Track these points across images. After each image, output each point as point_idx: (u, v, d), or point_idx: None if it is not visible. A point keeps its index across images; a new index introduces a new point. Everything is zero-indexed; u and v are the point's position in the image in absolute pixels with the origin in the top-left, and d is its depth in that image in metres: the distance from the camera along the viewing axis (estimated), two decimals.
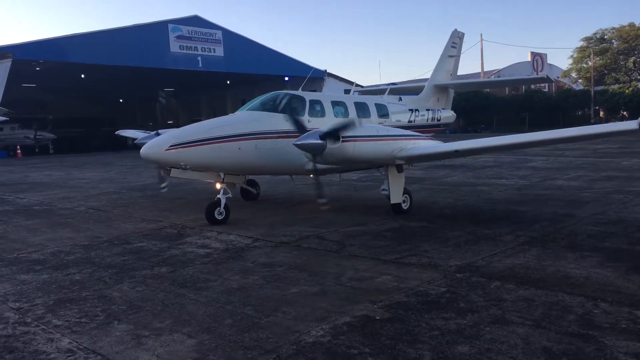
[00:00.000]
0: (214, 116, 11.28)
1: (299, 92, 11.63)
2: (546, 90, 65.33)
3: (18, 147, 42.47)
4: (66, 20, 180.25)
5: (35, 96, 54.34)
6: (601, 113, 59.73)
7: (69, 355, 4.36)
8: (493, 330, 4.54)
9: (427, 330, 4.60)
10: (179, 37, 44.19)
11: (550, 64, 72.10)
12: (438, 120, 16.46)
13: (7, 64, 32.78)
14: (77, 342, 4.61)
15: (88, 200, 14.04)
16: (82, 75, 47.73)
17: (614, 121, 46.74)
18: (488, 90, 59.97)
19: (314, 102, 11.07)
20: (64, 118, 54.87)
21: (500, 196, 12.41)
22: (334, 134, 8.95)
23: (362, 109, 12.44)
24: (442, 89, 17.50)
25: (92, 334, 4.81)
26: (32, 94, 52.71)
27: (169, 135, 9.66)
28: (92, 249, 8.31)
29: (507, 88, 64.58)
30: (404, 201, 10.35)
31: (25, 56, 36.61)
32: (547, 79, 26.65)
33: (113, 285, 6.32)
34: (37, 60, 40.16)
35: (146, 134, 14.97)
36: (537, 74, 58.41)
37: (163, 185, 11.45)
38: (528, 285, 5.74)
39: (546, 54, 68.69)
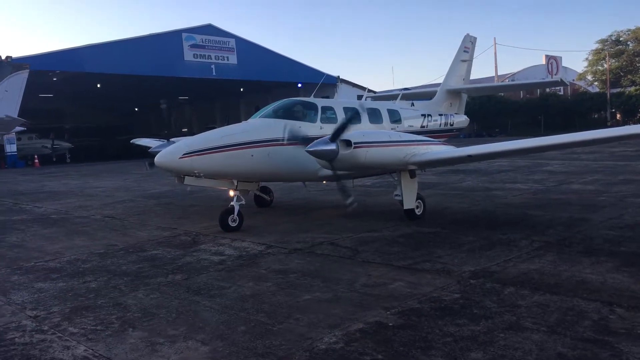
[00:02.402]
0: (228, 124, 11.36)
1: (311, 99, 11.67)
2: (561, 93, 64.70)
3: (36, 156, 43.07)
4: (82, 31, 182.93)
5: (52, 106, 55.15)
6: (618, 116, 59.01)
7: None
8: (507, 337, 4.50)
9: (440, 336, 4.58)
10: (193, 46, 44.62)
11: (565, 67, 71.52)
12: (451, 125, 16.39)
13: (24, 75, 33.28)
14: (92, 350, 4.67)
15: (104, 209, 14.20)
16: (98, 85, 48.39)
17: (631, 124, 46.19)
18: (502, 94, 59.62)
19: (326, 109, 11.10)
20: (81, 127, 55.62)
21: (515, 201, 12.32)
22: (338, 137, 8.99)
23: (374, 115, 12.44)
24: (454, 93, 17.44)
25: (107, 341, 4.86)
26: (49, 104, 53.49)
27: (183, 144, 9.75)
28: (108, 256, 8.40)
29: (521, 92, 64.16)
30: (417, 207, 10.32)
31: (42, 67, 37.21)
32: (561, 82, 26.38)
33: (128, 292, 6.38)
34: (54, 71, 40.83)
35: (160, 143, 15.10)
36: (551, 78, 58.02)
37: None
38: (543, 290, 5.69)
39: (561, 57, 68.21)
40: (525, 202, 12.11)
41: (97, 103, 59.86)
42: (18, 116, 32.29)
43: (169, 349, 4.61)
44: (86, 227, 11.45)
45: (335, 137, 9.11)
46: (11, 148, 39.49)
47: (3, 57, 36.66)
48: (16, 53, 47.50)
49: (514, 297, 5.53)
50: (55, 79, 43.59)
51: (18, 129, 34.72)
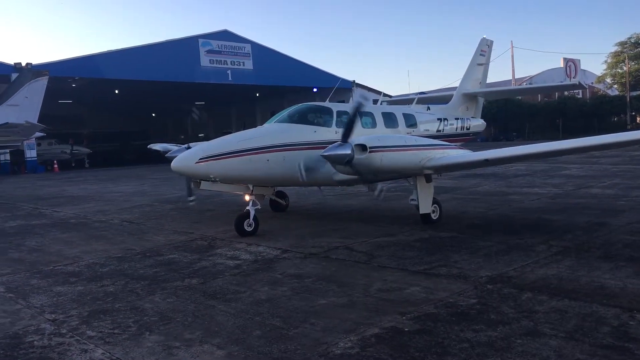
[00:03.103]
0: (244, 128, 11.42)
1: (327, 104, 11.69)
2: (580, 96, 64.02)
3: (55, 161, 43.64)
4: (100, 37, 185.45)
5: (71, 112, 55.98)
6: (638, 119, 58.18)
7: None
8: (525, 343, 4.45)
9: (456, 342, 4.55)
10: (209, 52, 45.04)
11: (584, 70, 70.81)
12: (467, 129, 16.30)
13: (44, 81, 33.83)
14: (110, 353, 4.71)
15: (122, 213, 14.34)
16: (116, 91, 49.06)
17: None
18: (520, 97, 59.15)
19: (341, 113, 11.09)
20: (99, 133, 56.33)
21: (533, 205, 12.20)
22: (347, 139, 9.04)
23: (389, 119, 12.42)
24: (471, 97, 17.34)
25: (124, 344, 4.90)
26: (68, 110, 54.31)
27: (199, 149, 9.82)
28: (126, 261, 8.48)
29: (539, 95, 63.61)
30: (433, 211, 10.27)
31: (61, 73, 37.83)
32: (580, 86, 26.09)
33: (145, 296, 6.43)
34: (73, 77, 41.49)
35: (177, 148, 15.21)
36: (570, 81, 57.40)
37: (191, 198, 11.70)
38: (561, 296, 5.62)
39: (579, 60, 67.64)
40: (543, 206, 11.98)
41: (115, 109, 60.61)
42: (38, 122, 32.79)
43: (185, 353, 4.64)
44: (104, 231, 11.58)
45: (345, 137, 9.14)
46: (31, 153, 40.10)
47: (23, 64, 37.37)
48: (36, 60, 48.36)
49: (532, 302, 5.47)
50: (74, 85, 44.29)
51: (38, 134, 35.21)
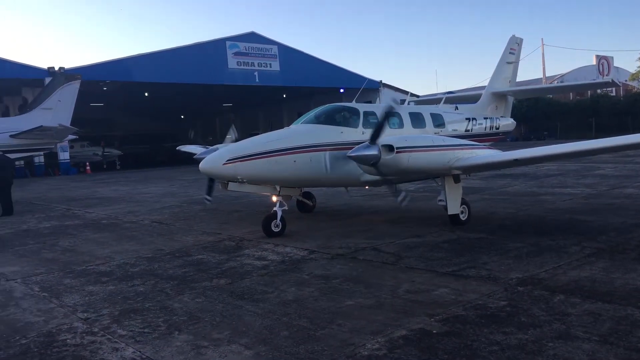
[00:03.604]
0: (271, 130, 11.47)
1: (353, 104, 11.65)
2: (613, 94, 62.46)
3: (87, 163, 44.60)
4: (129, 41, 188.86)
5: (103, 115, 57.12)
6: None
7: None
8: (556, 346, 4.36)
9: (486, 345, 4.48)
10: (236, 54, 45.40)
11: (617, 67, 69.06)
12: (497, 128, 16.07)
13: (76, 85, 34.61)
14: (140, 352, 4.78)
15: (152, 214, 14.56)
16: (146, 94, 49.87)
17: None
18: (551, 96, 58.06)
19: (368, 114, 11.06)
20: (130, 135, 57.32)
21: (565, 206, 11.95)
22: (375, 141, 8.99)
23: (417, 119, 12.32)
24: (500, 96, 17.09)
25: (154, 343, 4.97)
26: (99, 112, 55.43)
27: (226, 150, 9.90)
28: (155, 261, 8.60)
29: (571, 93, 62.30)
30: (462, 212, 10.14)
31: (93, 77, 38.63)
32: (613, 83, 25.43)
33: (174, 296, 6.51)
34: (104, 81, 42.32)
35: (205, 149, 15.37)
36: (602, 78, 56.06)
37: (208, 197, 11.79)
38: (594, 299, 5.49)
39: (612, 57, 65.97)
40: (576, 207, 11.73)
41: (145, 111, 61.65)
42: (70, 125, 33.56)
43: (213, 352, 4.68)
44: (135, 232, 11.77)
45: (373, 139, 9.11)
46: (64, 156, 41.02)
47: (56, 69, 38.27)
48: (68, 64, 49.49)
49: (564, 305, 5.35)
50: (105, 88, 45.19)
51: (70, 137, 36.03)
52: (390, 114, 9.47)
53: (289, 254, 8.49)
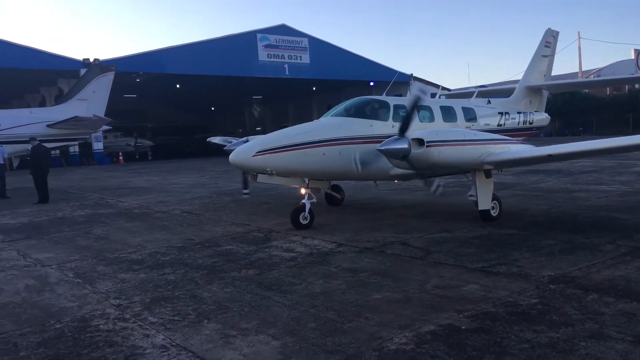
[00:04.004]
0: (300, 122, 11.48)
1: (383, 97, 11.57)
2: None
3: (120, 154, 45.50)
4: (162, 33, 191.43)
5: (136, 106, 58.06)
6: None
7: (163, 351, 4.60)
8: (589, 346, 4.27)
9: (516, 342, 4.41)
10: (267, 46, 45.57)
11: None
12: (530, 123, 15.78)
13: (110, 76, 35.23)
14: (170, 339, 4.86)
15: (182, 204, 14.76)
16: (178, 85, 50.48)
17: None
18: (587, 90, 56.66)
19: (398, 107, 10.96)
20: (161, 126, 58.21)
21: (600, 203, 11.66)
22: (403, 132, 8.93)
23: (448, 113, 12.17)
24: (534, 90, 16.76)
25: (183, 331, 5.04)
26: (132, 104, 56.35)
27: (256, 142, 9.95)
28: (185, 250, 8.73)
29: (608, 88, 60.65)
30: (492, 207, 9.99)
31: (126, 69, 39.28)
32: None
33: (204, 285, 6.59)
34: (137, 72, 43.01)
35: (235, 141, 15.50)
36: None
37: (245, 191, 11.90)
38: (629, 298, 5.35)
39: None
40: (611, 204, 11.44)
41: (177, 103, 62.44)
42: (104, 116, 34.21)
43: (241, 342, 4.72)
44: (166, 221, 11.95)
45: (402, 131, 9.04)
46: (98, 146, 41.94)
47: (91, 60, 39.02)
48: (103, 56, 50.45)
49: (597, 304, 5.23)
50: (138, 80, 45.90)
51: (104, 127, 36.75)
52: (418, 105, 9.36)
53: (317, 247, 8.51)
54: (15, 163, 31.14)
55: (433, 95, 14.44)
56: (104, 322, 5.39)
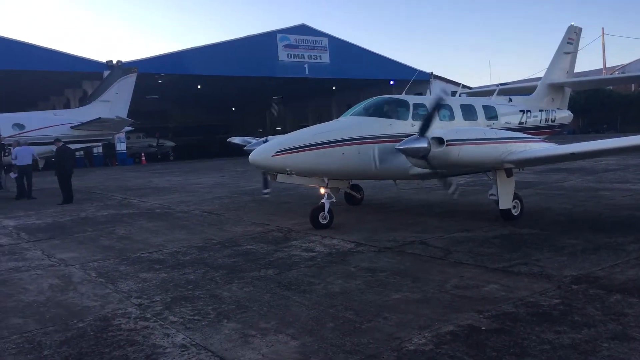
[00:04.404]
0: (320, 122, 11.49)
1: (403, 96, 11.52)
2: None
3: (143, 154, 46.06)
4: (184, 35, 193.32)
5: (157, 107, 58.72)
6: None
7: (183, 350, 4.65)
8: (612, 347, 4.20)
9: (537, 343, 4.36)
10: (287, 46, 45.71)
11: None
12: (552, 121, 15.56)
13: (133, 77, 35.70)
14: (190, 338, 4.91)
15: (202, 204, 14.89)
16: (199, 86, 50.87)
17: None
18: (611, 87, 55.61)
19: (417, 106, 10.90)
20: (183, 127, 58.77)
21: (625, 202, 11.45)
22: (424, 132, 8.88)
23: (468, 112, 12.06)
24: (557, 88, 16.52)
25: (203, 331, 5.09)
26: (154, 105, 57.00)
27: (276, 142, 9.99)
28: (206, 250, 8.80)
29: (633, 84, 59.45)
30: (514, 207, 9.88)
31: (148, 70, 39.76)
32: None
33: (223, 285, 6.64)
34: (159, 74, 43.47)
35: (255, 141, 15.58)
36: None
37: (266, 191, 11.96)
38: None
39: None
40: (636, 203, 11.22)
41: (198, 103, 62.94)
42: (127, 117, 34.67)
43: (260, 342, 4.75)
44: (186, 221, 12.07)
45: (422, 131, 8.98)
46: (121, 146, 42.51)
47: (114, 62, 39.59)
48: (126, 57, 51.14)
49: (621, 305, 5.14)
50: (160, 81, 46.41)
51: (127, 128, 37.24)
52: (439, 105, 9.30)
53: (336, 246, 8.51)
54: (41, 164, 31.72)
55: (454, 94, 14.32)
56: (125, 322, 5.46)
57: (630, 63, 64.88)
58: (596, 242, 7.82)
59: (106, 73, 38.22)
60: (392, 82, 48.46)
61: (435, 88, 47.61)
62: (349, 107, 12.11)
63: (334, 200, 10.22)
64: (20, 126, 30.13)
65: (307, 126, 12.17)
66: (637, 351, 4.09)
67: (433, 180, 11.40)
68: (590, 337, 4.41)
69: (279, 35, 45.29)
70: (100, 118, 32.32)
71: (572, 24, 18.10)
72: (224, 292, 6.32)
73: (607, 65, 61.08)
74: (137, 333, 5.12)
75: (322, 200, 10.01)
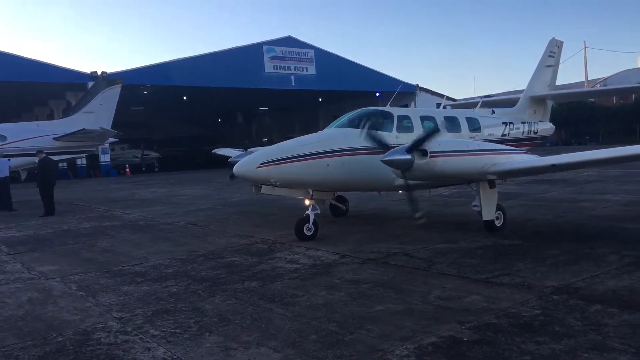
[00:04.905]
0: (306, 133, 11.52)
1: (387, 108, 11.61)
2: None
3: (127, 165, 45.74)
4: (169, 46, 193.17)
5: (142, 118, 58.42)
6: None
7: None
8: (591, 357, 4.23)
9: (518, 354, 4.38)
10: (273, 58, 45.84)
11: None
12: (535, 133, 15.75)
13: (117, 88, 35.56)
14: (171, 352, 4.86)
15: (187, 216, 14.80)
16: (184, 97, 50.78)
17: None
18: (593, 100, 56.49)
19: (402, 118, 10.99)
20: (168, 138, 58.57)
21: (605, 213, 11.60)
22: (418, 148, 8.86)
23: (452, 123, 12.17)
24: (539, 100, 16.77)
25: (185, 344, 5.04)
26: (139, 116, 56.71)
27: (260, 153, 9.99)
28: (189, 262, 8.74)
29: (614, 97, 60.45)
30: (497, 218, 9.96)
31: (133, 81, 39.61)
32: None
33: (206, 298, 6.59)
34: (144, 84, 43.32)
35: (240, 152, 15.57)
36: None
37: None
38: (633, 309, 5.30)
39: None
40: (616, 214, 11.37)
41: (183, 114, 62.76)
42: (111, 128, 34.46)
43: (242, 355, 4.71)
44: (170, 233, 11.98)
45: (413, 147, 8.94)
46: (105, 158, 42.16)
47: (99, 73, 39.40)
48: (110, 68, 50.98)
49: (601, 315, 5.19)
50: (145, 92, 46.24)
51: (111, 140, 37.01)
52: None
53: (321, 258, 8.50)
54: (23, 176, 31.38)
55: (438, 106, 14.46)
56: (105, 335, 5.39)
57: (611, 76, 65.99)
58: (577, 252, 7.90)
59: (90, 84, 38.00)
60: (378, 94, 48.77)
61: (424, 102, 48.12)
62: (335, 118, 12.16)
63: (318, 211, 10.23)
64: (2, 137, 29.86)
65: (294, 137, 12.18)
66: None
67: (419, 191, 11.46)
68: (570, 348, 4.44)
69: (265, 47, 45.43)
70: (83, 129, 32.11)
71: (554, 37, 18.43)
72: (206, 305, 6.27)
73: (589, 78, 62.06)
74: (117, 347, 5.06)
75: (307, 212, 10.01)
